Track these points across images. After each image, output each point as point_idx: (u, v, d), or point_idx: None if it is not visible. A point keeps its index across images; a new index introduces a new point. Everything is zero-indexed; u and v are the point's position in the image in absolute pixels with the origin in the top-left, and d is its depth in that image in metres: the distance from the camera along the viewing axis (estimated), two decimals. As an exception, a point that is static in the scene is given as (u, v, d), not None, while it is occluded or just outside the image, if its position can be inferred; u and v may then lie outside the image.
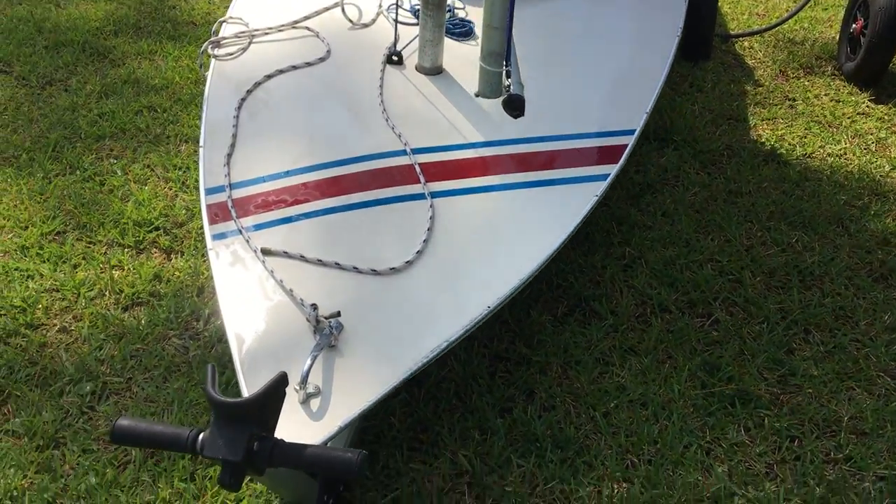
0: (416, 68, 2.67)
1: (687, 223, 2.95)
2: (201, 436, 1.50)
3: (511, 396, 2.24)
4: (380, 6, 3.02)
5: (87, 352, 2.36)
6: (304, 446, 1.50)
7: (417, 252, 2.06)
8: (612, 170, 2.38)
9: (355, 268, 2.00)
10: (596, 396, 2.25)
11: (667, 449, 2.10)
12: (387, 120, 2.44)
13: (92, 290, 2.58)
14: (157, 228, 2.85)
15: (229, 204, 2.16)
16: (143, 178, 3.13)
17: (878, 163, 3.38)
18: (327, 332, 1.83)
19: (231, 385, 2.20)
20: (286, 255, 2.03)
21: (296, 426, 1.68)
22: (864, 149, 3.48)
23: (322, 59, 2.69)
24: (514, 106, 2.27)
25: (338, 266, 2.01)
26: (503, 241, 2.13)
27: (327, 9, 2.96)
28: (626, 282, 2.66)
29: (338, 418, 1.70)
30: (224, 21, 2.87)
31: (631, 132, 2.52)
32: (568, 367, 2.34)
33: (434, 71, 2.65)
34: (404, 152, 2.33)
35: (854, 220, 3.01)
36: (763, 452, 2.12)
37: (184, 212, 2.93)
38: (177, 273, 2.66)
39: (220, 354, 2.34)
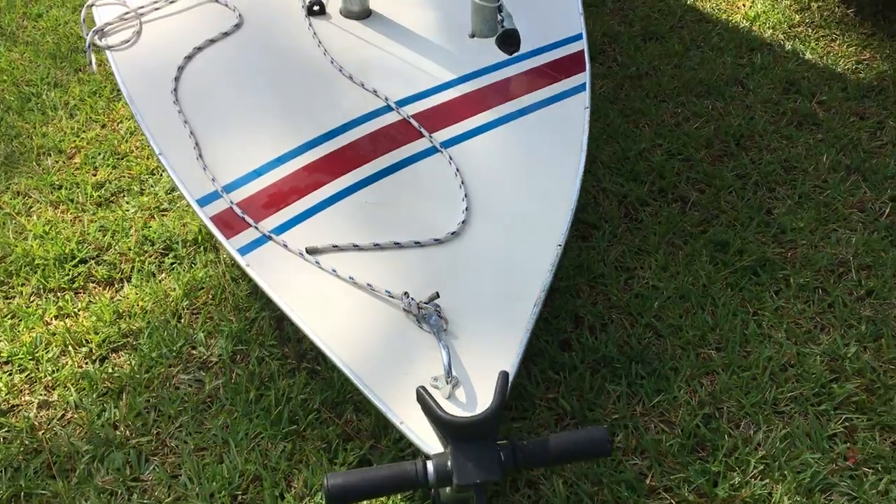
0: (343, 14, 2.43)
1: (614, 116, 2.99)
2: (431, 465, 1.33)
3: (563, 328, 2.21)
4: None
5: (89, 420, 2.02)
6: (545, 440, 1.39)
7: (465, 210, 1.92)
8: (585, 77, 2.34)
9: (416, 242, 1.84)
10: (638, 303, 2.26)
11: (728, 332, 2.17)
12: (351, 77, 2.21)
13: (49, 350, 2.19)
14: (83, 261, 2.45)
15: (237, 211, 1.89)
16: (25, 209, 2.66)
17: (735, 20, 3.59)
18: (435, 318, 1.68)
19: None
20: (337, 248, 1.82)
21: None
22: (719, 10, 3.68)
23: (238, 26, 2.37)
24: (512, 41, 2.14)
25: (397, 245, 1.84)
26: (535, 175, 2.04)
27: None
28: (597, 185, 2.67)
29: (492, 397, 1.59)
30: (93, 5, 2.44)
31: (579, 37, 2.48)
32: (595, 283, 2.33)
33: (364, 14, 2.43)
34: (389, 108, 2.14)
35: (749, 78, 3.19)
36: (802, 310, 2.25)
37: (100, 235, 2.54)
38: (139, 303, 2.31)
39: (250, 374, 2.09)
